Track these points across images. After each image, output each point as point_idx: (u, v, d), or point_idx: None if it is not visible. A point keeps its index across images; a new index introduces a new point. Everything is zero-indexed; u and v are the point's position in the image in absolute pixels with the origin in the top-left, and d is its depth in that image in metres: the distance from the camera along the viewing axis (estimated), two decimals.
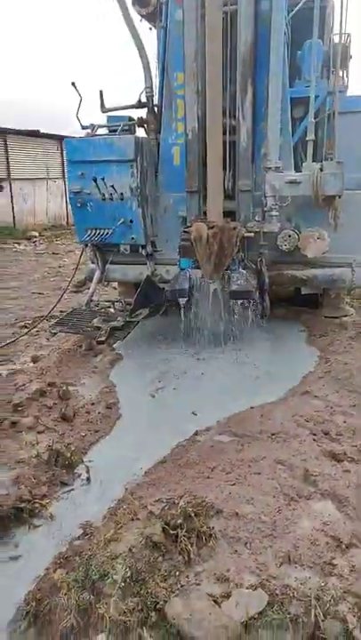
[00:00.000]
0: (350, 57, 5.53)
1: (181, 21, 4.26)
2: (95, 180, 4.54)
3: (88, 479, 3.13)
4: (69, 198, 4.79)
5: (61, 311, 6.03)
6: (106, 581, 2.23)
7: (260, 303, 4.47)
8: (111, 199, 4.60)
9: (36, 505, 2.86)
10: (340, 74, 4.83)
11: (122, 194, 4.57)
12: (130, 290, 5.42)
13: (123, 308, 5.11)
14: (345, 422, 3.28)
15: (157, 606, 2.13)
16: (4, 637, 2.18)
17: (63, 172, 17.92)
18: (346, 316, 5.44)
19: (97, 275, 5.18)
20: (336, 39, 4.78)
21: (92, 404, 3.82)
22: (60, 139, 17.49)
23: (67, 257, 11.29)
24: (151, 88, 4.91)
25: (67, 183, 17.37)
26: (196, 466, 2.86)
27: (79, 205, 4.70)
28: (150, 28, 5.38)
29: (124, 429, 3.52)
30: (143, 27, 5.20)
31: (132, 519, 2.62)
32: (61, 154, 17.82)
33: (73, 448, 3.29)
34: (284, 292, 5.07)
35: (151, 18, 5.15)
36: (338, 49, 4.43)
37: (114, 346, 4.70)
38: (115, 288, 6.35)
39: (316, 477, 2.61)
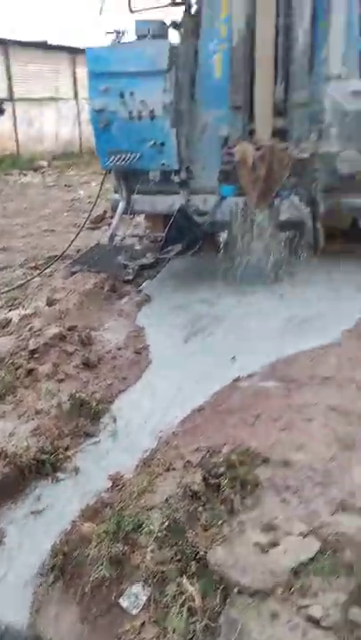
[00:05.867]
0: None
1: None
2: (122, 96, 4.51)
3: (116, 430, 3.28)
4: (90, 118, 4.78)
5: (78, 250, 6.12)
6: (141, 532, 2.38)
7: (313, 236, 4.45)
8: (140, 118, 4.57)
9: (60, 457, 3.02)
10: None
11: (152, 111, 4.54)
12: (159, 223, 5.43)
13: (152, 244, 5.14)
14: None
15: (198, 556, 2.28)
16: (29, 593, 2.37)
17: (76, 91, 17.63)
18: None
19: (121, 206, 5.20)
20: None
21: (119, 349, 3.93)
22: (72, 52, 17.11)
23: (81, 189, 11.29)
24: None
25: (79, 104, 17.16)
26: (239, 413, 2.97)
27: (102, 126, 4.69)
28: None
29: (156, 377, 3.64)
30: None
31: (168, 469, 2.76)
32: (74, 70, 17.48)
33: (98, 397, 3.42)
34: (339, 223, 5.01)
35: None
36: None
37: (141, 286, 4.78)
38: (131, 217, 6.24)
39: None
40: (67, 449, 3.06)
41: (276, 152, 4.10)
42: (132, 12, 5.03)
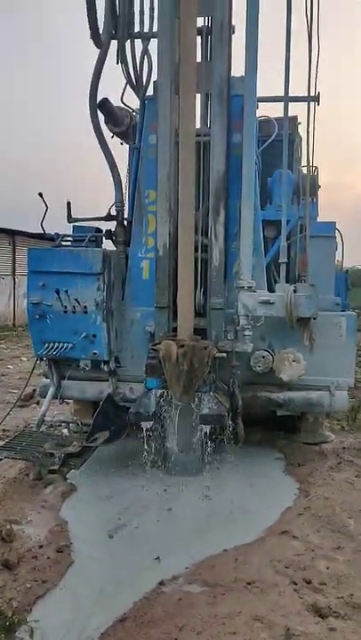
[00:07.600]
0: (319, 186, 6.41)
1: (155, 145, 4.94)
2: (58, 292, 4.86)
3: None
4: (27, 310, 5.05)
5: (4, 430, 6.01)
6: None
7: (233, 428, 4.68)
8: (74, 312, 4.91)
9: None
10: (310, 200, 5.56)
11: (85, 307, 4.89)
12: (88, 409, 5.53)
13: (79, 430, 5.18)
14: (328, 568, 3.37)
15: None
16: None
17: (14, 268, 18.54)
18: (325, 442, 5.70)
19: (51, 391, 5.30)
20: (304, 170, 5.61)
21: (41, 546, 3.76)
22: (11, 233, 18.34)
23: (11, 364, 11.32)
24: (122, 202, 5.49)
25: (16, 280, 17.92)
26: (162, 624, 2.85)
27: (38, 317, 4.96)
28: (121, 143, 6.13)
29: (78, 579, 3.48)
30: (114, 141, 5.92)
31: None
32: (13, 249, 18.57)
33: (15, 605, 3.18)
34: (258, 414, 5.32)
35: (123, 135, 5.90)
36: (306, 178, 5.18)
37: (67, 475, 4.72)
38: (67, 403, 6.41)
39: (299, 638, 2.66)
40: None
41: (197, 350, 4.45)
42: (70, 221, 5.63)
